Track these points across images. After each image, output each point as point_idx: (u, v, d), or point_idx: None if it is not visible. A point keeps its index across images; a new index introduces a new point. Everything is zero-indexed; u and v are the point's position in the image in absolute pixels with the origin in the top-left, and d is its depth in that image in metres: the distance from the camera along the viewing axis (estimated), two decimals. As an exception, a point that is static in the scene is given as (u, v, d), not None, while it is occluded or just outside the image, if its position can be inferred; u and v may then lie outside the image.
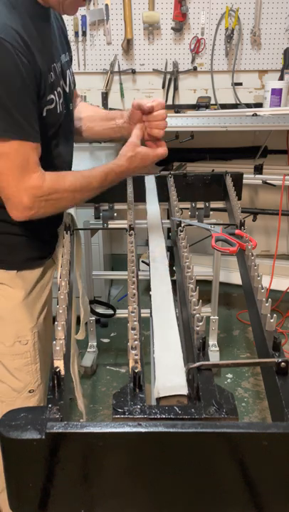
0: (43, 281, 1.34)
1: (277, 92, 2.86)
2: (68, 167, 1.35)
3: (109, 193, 1.81)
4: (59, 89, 1.20)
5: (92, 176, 1.20)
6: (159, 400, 0.71)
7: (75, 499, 0.65)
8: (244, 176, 1.81)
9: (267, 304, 0.91)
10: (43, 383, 1.33)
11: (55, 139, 1.23)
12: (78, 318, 1.52)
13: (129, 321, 0.84)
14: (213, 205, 1.84)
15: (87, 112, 1.47)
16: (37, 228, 1.25)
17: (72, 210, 1.41)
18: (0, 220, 1.21)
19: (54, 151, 1.24)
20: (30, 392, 1.31)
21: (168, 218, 1.55)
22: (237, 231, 1.24)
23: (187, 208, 1.81)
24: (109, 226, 1.93)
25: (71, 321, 1.07)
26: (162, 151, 1.23)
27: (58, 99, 1.18)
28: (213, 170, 2.52)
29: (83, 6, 1.20)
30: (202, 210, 1.83)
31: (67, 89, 1.27)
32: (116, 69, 3.22)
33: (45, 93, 1.13)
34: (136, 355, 0.76)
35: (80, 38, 3.15)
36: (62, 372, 0.75)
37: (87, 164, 1.69)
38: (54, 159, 1.24)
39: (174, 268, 1.21)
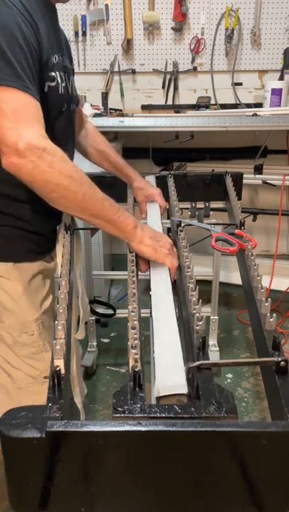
0: (42, 274, 1.34)
1: (277, 92, 2.87)
2: None
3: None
4: (62, 73, 1.21)
5: (104, 195, 1.10)
6: (158, 398, 0.72)
7: (75, 498, 0.65)
8: (244, 176, 1.81)
9: (267, 304, 0.91)
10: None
11: (54, 125, 1.22)
12: (78, 318, 1.52)
13: (129, 321, 0.85)
14: (213, 205, 1.84)
15: (98, 145, 1.59)
16: (36, 222, 1.26)
17: None
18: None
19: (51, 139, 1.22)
20: (45, 378, 1.32)
21: (168, 218, 1.55)
22: (237, 231, 1.24)
23: (187, 208, 1.80)
24: (110, 226, 1.93)
25: (71, 320, 1.08)
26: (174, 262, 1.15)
27: (59, 81, 1.19)
28: (213, 170, 2.52)
29: None
30: (202, 210, 1.83)
31: (70, 90, 1.29)
32: (116, 69, 3.23)
33: (47, 68, 1.14)
34: (136, 354, 0.76)
35: (80, 38, 3.16)
36: (63, 372, 0.75)
37: (86, 166, 1.70)
38: None
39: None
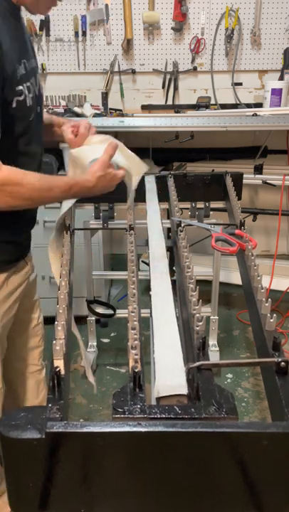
0: (10, 287, 1.31)
1: (277, 92, 2.87)
2: (38, 167, 1.34)
3: (109, 193, 1.82)
4: (29, 84, 1.21)
5: (55, 183, 1.17)
6: (158, 399, 0.71)
7: (75, 499, 0.65)
8: (244, 175, 1.81)
9: (267, 304, 0.91)
10: (3, 388, 1.32)
11: (25, 136, 1.23)
12: (78, 318, 1.52)
13: (129, 321, 0.84)
14: (213, 205, 1.85)
15: None
16: (12, 232, 1.25)
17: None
18: None
19: (24, 149, 1.24)
20: None
21: (168, 218, 1.55)
22: (237, 231, 1.24)
23: (187, 208, 1.81)
24: (109, 226, 1.93)
25: (71, 320, 1.07)
26: (123, 172, 1.28)
27: (27, 93, 1.19)
28: (213, 170, 2.52)
29: (55, 6, 1.26)
30: (202, 210, 1.83)
31: (37, 92, 1.28)
32: (116, 69, 3.22)
33: (13, 83, 1.14)
34: (136, 354, 0.76)
35: (80, 38, 3.15)
36: (62, 372, 0.75)
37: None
38: (23, 157, 1.24)
39: (174, 268, 1.21)
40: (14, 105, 1.15)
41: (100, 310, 2.55)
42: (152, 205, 1.54)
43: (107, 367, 2.56)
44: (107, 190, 1.26)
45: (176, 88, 3.28)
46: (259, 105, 3.10)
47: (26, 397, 1.54)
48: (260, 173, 2.93)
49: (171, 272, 1.11)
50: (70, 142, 1.38)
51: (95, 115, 2.80)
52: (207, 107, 3.10)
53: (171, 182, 1.62)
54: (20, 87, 1.16)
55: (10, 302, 1.32)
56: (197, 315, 0.86)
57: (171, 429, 0.60)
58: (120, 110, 3.10)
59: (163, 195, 1.66)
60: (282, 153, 3.29)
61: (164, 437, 0.61)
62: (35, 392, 1.55)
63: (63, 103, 3.08)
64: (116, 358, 2.64)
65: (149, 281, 1.06)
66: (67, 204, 1.31)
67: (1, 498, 1.41)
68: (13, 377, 1.49)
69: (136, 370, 0.71)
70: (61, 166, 2.75)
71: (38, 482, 0.63)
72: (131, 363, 0.75)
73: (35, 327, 1.52)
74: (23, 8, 1.24)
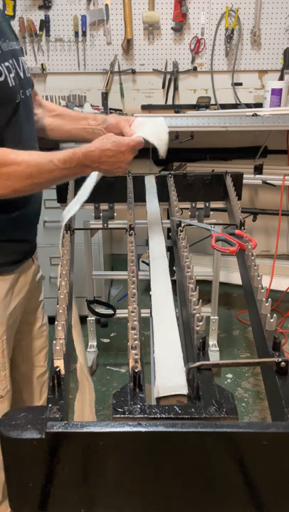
0: (17, 287, 1.29)
1: (277, 92, 2.87)
2: None
3: (109, 193, 1.82)
4: (7, 64, 1.14)
5: (53, 155, 1.09)
6: (158, 399, 0.71)
7: (75, 499, 0.65)
8: (244, 175, 1.80)
9: (267, 304, 0.91)
10: (12, 390, 1.30)
11: (11, 122, 1.16)
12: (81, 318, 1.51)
13: (129, 321, 0.84)
14: (213, 205, 1.84)
15: (55, 111, 1.43)
16: (16, 229, 1.20)
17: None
18: None
19: (13, 136, 1.17)
20: None
21: (168, 218, 1.55)
22: (237, 231, 1.24)
23: (187, 208, 1.80)
24: (109, 226, 1.93)
25: (71, 320, 1.07)
26: (138, 138, 1.19)
27: (7, 73, 1.12)
28: (213, 170, 2.52)
29: None
30: (202, 210, 1.83)
31: (21, 74, 1.21)
32: (116, 69, 3.22)
33: None
34: (136, 354, 0.76)
35: (80, 38, 3.15)
36: (63, 372, 0.75)
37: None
38: (15, 145, 1.15)
39: (174, 268, 1.21)
40: None
41: (100, 310, 2.56)
42: (152, 205, 1.54)
43: (107, 367, 2.56)
44: (116, 158, 1.14)
45: (176, 88, 3.28)
46: (259, 105, 3.11)
47: (30, 400, 1.54)
48: (260, 173, 2.93)
49: (171, 272, 1.11)
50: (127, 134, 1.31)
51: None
52: (207, 107, 3.10)
53: (171, 182, 1.62)
54: None
55: (15, 302, 1.30)
56: (197, 315, 0.86)
57: (171, 429, 0.60)
58: (120, 110, 3.11)
59: (163, 195, 1.65)
60: (282, 153, 3.29)
61: (164, 437, 0.61)
62: (38, 394, 1.55)
63: (63, 103, 3.09)
64: (116, 358, 2.64)
65: (149, 281, 1.06)
66: (73, 208, 1.27)
67: (4, 503, 1.40)
68: (19, 380, 1.48)
69: (136, 370, 0.71)
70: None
71: (38, 482, 0.63)
72: (131, 363, 0.75)
73: (40, 328, 1.51)
74: None
